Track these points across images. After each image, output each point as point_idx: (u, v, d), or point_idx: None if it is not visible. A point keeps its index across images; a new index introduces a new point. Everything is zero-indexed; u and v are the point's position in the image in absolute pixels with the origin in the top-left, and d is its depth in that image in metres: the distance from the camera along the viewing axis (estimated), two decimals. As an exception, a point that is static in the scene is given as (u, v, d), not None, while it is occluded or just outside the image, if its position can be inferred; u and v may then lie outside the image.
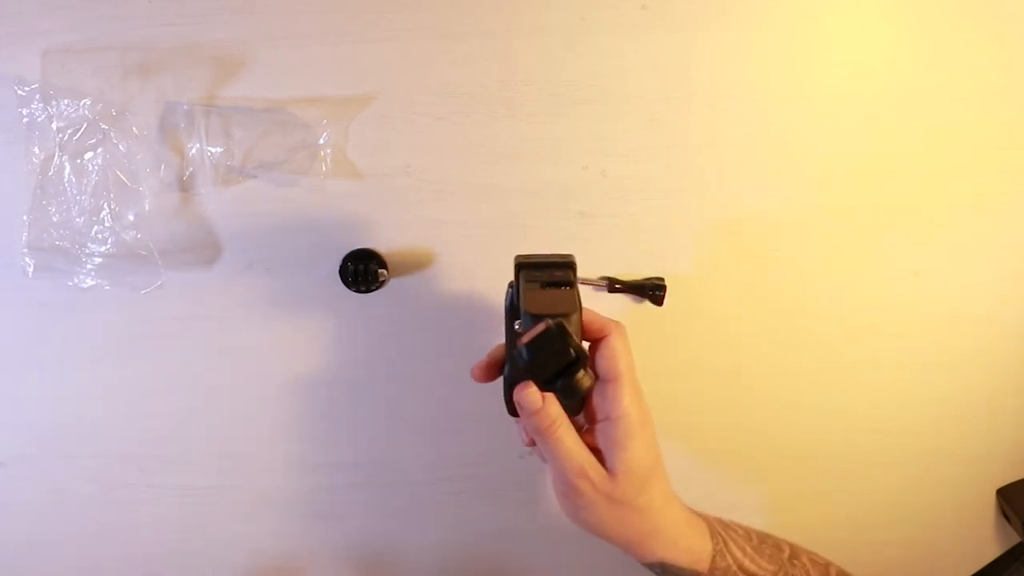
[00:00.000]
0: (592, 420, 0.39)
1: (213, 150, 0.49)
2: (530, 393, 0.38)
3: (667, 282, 0.51)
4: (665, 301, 0.51)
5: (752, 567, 0.42)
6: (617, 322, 0.40)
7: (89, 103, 0.48)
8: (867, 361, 0.54)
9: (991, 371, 0.54)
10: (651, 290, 0.51)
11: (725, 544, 0.42)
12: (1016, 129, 0.52)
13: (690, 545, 0.40)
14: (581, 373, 0.36)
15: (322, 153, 0.50)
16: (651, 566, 0.41)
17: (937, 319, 0.53)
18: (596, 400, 0.39)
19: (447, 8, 0.49)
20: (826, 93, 0.51)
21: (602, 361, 0.39)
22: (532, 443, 0.40)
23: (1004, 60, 0.51)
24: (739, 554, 0.42)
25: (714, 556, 0.41)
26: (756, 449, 0.55)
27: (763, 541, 0.44)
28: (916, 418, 0.54)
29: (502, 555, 0.55)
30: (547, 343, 0.35)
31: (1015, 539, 0.56)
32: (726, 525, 0.44)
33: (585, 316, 0.39)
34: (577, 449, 0.38)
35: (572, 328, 0.36)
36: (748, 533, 0.44)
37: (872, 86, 0.51)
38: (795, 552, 0.45)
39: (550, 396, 0.38)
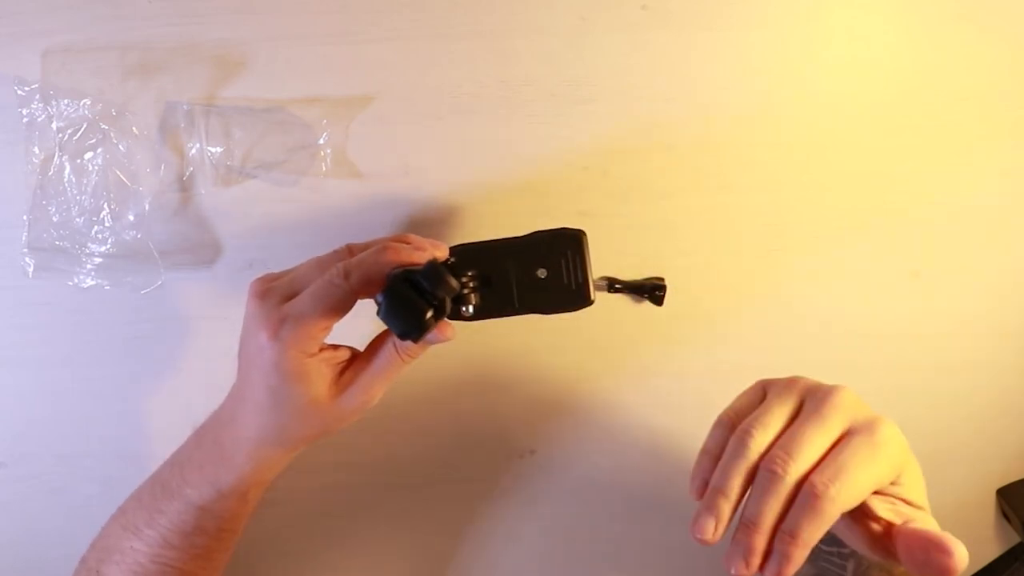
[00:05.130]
0: None
1: (213, 150, 0.49)
2: None
3: (667, 282, 0.51)
4: (665, 301, 0.51)
5: None
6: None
7: (89, 103, 0.48)
8: (867, 361, 0.54)
9: (991, 371, 0.54)
10: (651, 290, 0.51)
11: None
12: (1017, 129, 0.52)
13: None
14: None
15: (322, 153, 0.50)
16: None
17: (937, 319, 0.53)
18: None
19: (447, 8, 0.49)
20: (826, 93, 0.51)
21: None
22: None
23: (1005, 60, 0.51)
24: None
25: None
26: (756, 449, 0.55)
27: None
28: (916, 418, 0.54)
29: (502, 555, 0.55)
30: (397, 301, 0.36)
31: (1015, 539, 0.56)
32: None
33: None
34: None
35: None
36: None
37: (872, 86, 0.51)
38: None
39: None
